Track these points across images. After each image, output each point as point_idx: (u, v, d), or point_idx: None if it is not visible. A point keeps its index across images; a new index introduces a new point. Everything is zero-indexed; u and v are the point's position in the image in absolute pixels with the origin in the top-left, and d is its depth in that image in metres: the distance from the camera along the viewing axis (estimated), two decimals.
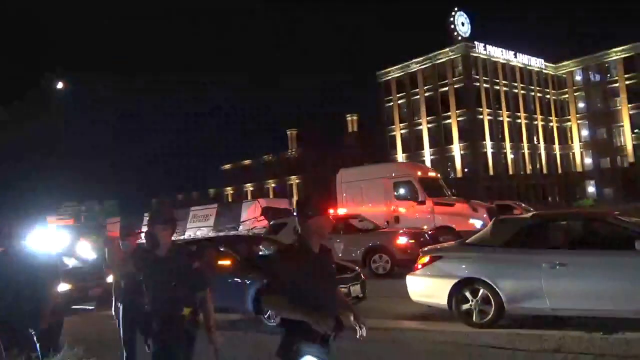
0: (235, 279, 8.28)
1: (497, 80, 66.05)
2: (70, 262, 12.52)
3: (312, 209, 2.92)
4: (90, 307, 10.63)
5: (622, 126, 65.02)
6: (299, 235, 2.93)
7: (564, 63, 71.15)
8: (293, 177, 79.82)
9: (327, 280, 2.94)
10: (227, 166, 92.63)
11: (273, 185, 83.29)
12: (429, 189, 17.34)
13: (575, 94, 70.58)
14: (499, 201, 26.73)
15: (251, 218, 20.63)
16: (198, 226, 24.30)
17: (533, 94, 70.08)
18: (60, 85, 29.24)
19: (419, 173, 18.55)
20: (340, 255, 13.60)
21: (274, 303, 2.85)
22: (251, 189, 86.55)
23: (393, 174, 17.86)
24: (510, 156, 65.99)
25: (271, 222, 18.58)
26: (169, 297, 3.45)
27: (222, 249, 9.22)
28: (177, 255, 3.67)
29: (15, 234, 4.71)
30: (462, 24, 65.41)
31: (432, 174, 20.58)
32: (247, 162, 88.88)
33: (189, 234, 23.98)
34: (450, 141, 64.51)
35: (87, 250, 16.43)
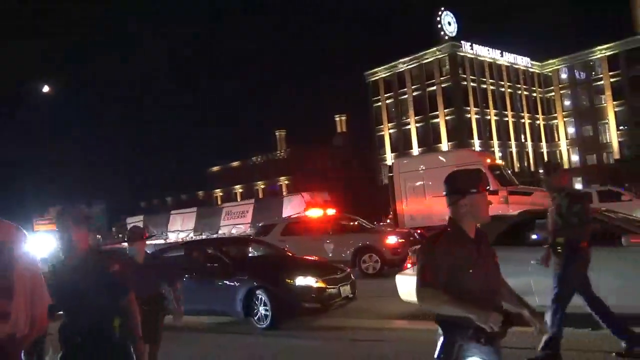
0: (225, 282, 8.23)
1: (484, 79, 66.53)
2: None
3: (466, 185, 2.50)
4: None
5: (608, 123, 65.76)
6: (450, 218, 2.55)
7: (549, 61, 71.79)
8: (282, 177, 79.73)
9: (491, 270, 2.53)
10: (216, 168, 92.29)
11: (262, 186, 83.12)
12: (499, 178, 15.88)
13: (561, 91, 71.25)
14: (600, 187, 25.00)
15: (295, 213, 19.85)
16: (233, 223, 23.51)
17: (520, 92, 70.65)
18: (46, 89, 28.95)
19: (488, 160, 17.24)
20: (330, 255, 13.60)
21: (429, 297, 2.41)
22: (240, 190, 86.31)
23: (459, 162, 15.79)
24: (498, 154, 66.45)
25: (260, 224, 18.43)
26: (89, 307, 3.10)
27: (210, 251, 9.17)
28: (93, 261, 3.36)
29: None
30: (449, 23, 65.76)
31: (498, 161, 19.52)
32: (235, 163, 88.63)
33: (223, 231, 23.42)
34: (438, 140, 64.84)
35: None
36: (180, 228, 26.37)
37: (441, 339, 2.45)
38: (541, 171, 5.12)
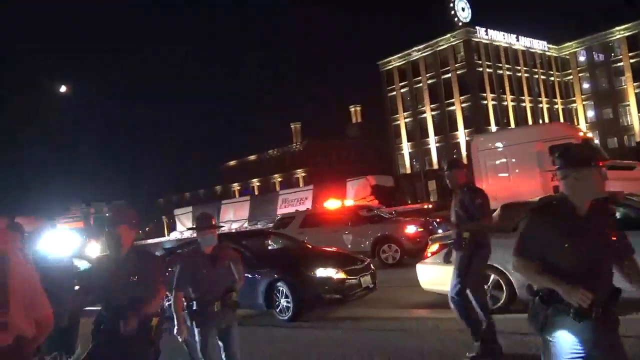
0: (246, 275, 8.28)
1: (500, 65, 65.59)
2: (82, 264, 12.59)
3: (581, 158, 2.44)
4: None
5: (628, 105, 64.43)
6: (559, 192, 2.52)
7: (566, 44, 70.49)
8: (299, 170, 79.82)
9: (599, 247, 2.41)
10: (232, 163, 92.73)
11: (279, 179, 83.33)
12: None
13: (579, 74, 69.97)
14: None
15: (360, 198, 19.27)
16: (294, 210, 22.72)
17: (537, 76, 69.54)
18: (63, 89, 29.34)
19: (580, 133, 15.98)
20: (349, 246, 13.62)
21: (521, 267, 2.50)
22: (257, 184, 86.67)
23: (548, 136, 14.54)
24: None
25: (279, 217, 18.30)
26: (128, 303, 3.23)
27: (231, 245, 9.23)
28: (136, 258, 3.47)
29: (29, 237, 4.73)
30: (462, 9, 64.85)
31: (589, 135, 18.39)
32: (251, 157, 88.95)
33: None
34: (454, 128, 64.23)
35: (96, 252, 16.52)
36: (233, 218, 25.59)
37: (537, 300, 2.45)
38: (444, 167, 5.25)
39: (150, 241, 39.85)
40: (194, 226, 4.41)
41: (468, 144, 17.87)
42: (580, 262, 2.37)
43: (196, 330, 4.11)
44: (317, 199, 21.68)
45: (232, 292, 4.24)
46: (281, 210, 23.07)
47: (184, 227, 28.62)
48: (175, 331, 4.04)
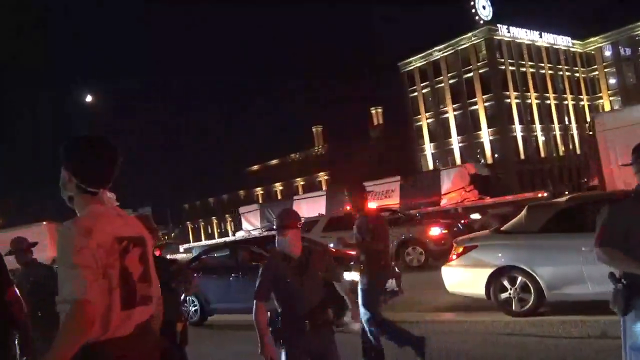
0: None
1: (523, 62, 64.65)
2: None
3: None
4: None
5: None
6: (638, 185, 2.68)
7: (591, 39, 69.16)
8: (321, 173, 79.92)
9: None
10: (255, 167, 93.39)
11: (302, 183, 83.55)
12: None
13: (605, 70, 68.57)
14: None
15: (458, 188, 18.01)
16: (379, 204, 20.76)
17: (561, 73, 68.36)
18: (89, 98, 29.89)
19: None
20: None
21: (606, 255, 2.66)
22: (280, 188, 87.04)
23: None
24: (541, 139, 64.60)
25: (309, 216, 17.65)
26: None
27: (254, 250, 9.29)
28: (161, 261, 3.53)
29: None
30: (483, 7, 64.15)
31: None
32: (274, 161, 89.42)
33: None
34: (478, 127, 63.51)
35: None
36: (307, 214, 23.53)
37: (619, 286, 2.61)
38: (346, 193, 5.48)
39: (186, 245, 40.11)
40: (275, 224, 3.58)
41: (591, 123, 15.04)
42: None
43: (283, 354, 3.36)
44: (406, 191, 19.99)
45: (327, 307, 3.50)
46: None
47: (250, 226, 26.96)
48: (259, 350, 3.29)
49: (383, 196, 21.07)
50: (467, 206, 16.03)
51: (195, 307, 9.20)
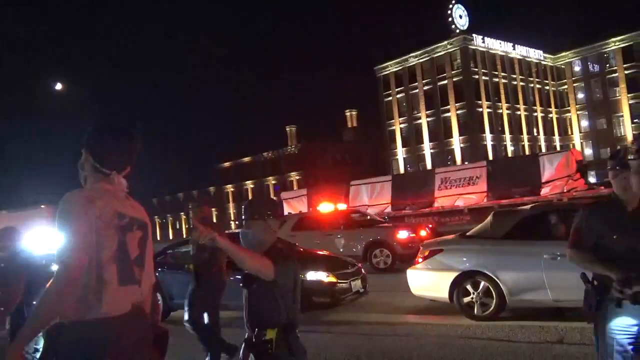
0: (237, 277, 8.22)
1: (496, 73, 65.93)
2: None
3: (625, 159, 2.64)
4: None
5: (622, 116, 64.90)
6: (611, 190, 2.79)
7: (562, 54, 70.96)
8: (293, 173, 79.80)
9: None
10: (227, 164, 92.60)
11: (273, 182, 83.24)
12: None
13: (574, 84, 70.42)
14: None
15: (563, 176, 15.83)
16: (459, 193, 18.60)
17: (532, 85, 69.94)
18: (59, 86, 29.18)
19: None
20: (340, 250, 13.59)
21: (577, 257, 2.73)
22: (251, 186, 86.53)
23: None
24: (510, 148, 65.93)
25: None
26: None
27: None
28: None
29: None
30: (460, 16, 65.21)
31: None
32: (246, 159, 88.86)
33: (442, 204, 18.75)
34: (449, 134, 64.46)
35: None
36: (368, 202, 21.20)
37: (589, 287, 2.65)
38: (189, 205, 5.69)
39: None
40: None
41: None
42: (628, 250, 2.60)
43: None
44: (495, 177, 17.47)
45: None
46: (440, 193, 18.80)
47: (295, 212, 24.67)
48: None
49: (466, 183, 18.28)
50: (574, 197, 13.79)
51: (159, 302, 9.02)
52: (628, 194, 2.69)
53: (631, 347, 2.54)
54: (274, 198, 21.28)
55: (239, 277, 2.94)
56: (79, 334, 1.90)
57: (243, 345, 2.83)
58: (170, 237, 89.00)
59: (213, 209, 20.91)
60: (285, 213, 23.80)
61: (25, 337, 1.88)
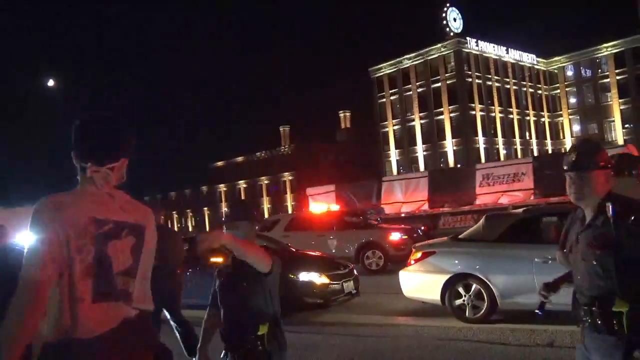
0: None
1: (489, 76, 66.26)
2: None
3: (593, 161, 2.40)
4: None
5: (613, 121, 65.43)
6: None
7: (555, 58, 71.41)
8: (286, 173, 79.76)
9: (585, 251, 2.42)
10: (220, 163, 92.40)
11: (266, 182, 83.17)
12: None
13: (566, 89, 70.89)
14: None
15: (626, 174, 14.44)
16: (503, 190, 17.62)
17: (525, 89, 70.35)
18: (51, 82, 29.00)
19: None
20: (333, 251, 13.60)
21: (560, 258, 2.74)
22: (244, 186, 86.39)
23: None
24: (502, 152, 66.26)
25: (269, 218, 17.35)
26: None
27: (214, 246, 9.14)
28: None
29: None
30: (454, 19, 65.48)
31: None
32: (239, 159, 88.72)
33: (484, 201, 17.87)
34: (442, 137, 64.69)
35: None
36: (402, 199, 20.55)
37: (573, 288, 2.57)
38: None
39: None
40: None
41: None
42: (574, 261, 2.52)
43: None
44: (541, 173, 16.63)
45: None
46: (481, 190, 18.06)
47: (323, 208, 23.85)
48: None
49: (511, 180, 17.33)
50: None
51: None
52: (583, 203, 2.47)
53: None
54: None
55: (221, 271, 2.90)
56: (54, 358, 1.71)
57: (226, 346, 2.77)
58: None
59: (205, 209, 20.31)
60: (311, 208, 22.96)
61: None
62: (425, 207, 19.55)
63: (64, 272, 1.71)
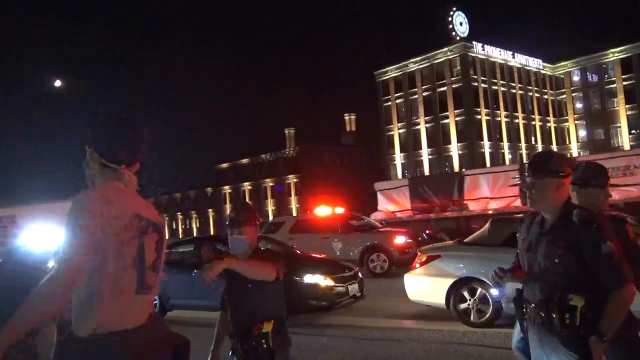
0: None
1: (495, 81, 66.12)
2: None
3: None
4: None
5: (620, 126, 65.17)
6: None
7: (562, 63, 71.23)
8: (291, 176, 79.82)
9: (544, 258, 2.50)
10: (224, 165, 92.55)
11: (271, 184, 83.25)
12: None
13: (573, 94, 70.68)
14: None
15: None
16: (611, 184, 16.80)
17: (531, 94, 70.17)
18: (58, 83, 29.13)
19: None
20: (338, 254, 13.62)
21: None
22: (249, 187, 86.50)
23: None
24: (508, 156, 66.08)
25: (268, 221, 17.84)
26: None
27: (219, 247, 9.20)
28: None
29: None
30: (461, 23, 65.45)
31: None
32: (244, 160, 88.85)
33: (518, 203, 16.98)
34: (448, 141, 64.57)
35: None
36: (490, 194, 19.16)
37: None
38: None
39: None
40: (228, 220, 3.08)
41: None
42: (527, 265, 2.68)
43: None
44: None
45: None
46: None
47: (393, 206, 21.97)
48: None
49: (621, 174, 16.20)
50: None
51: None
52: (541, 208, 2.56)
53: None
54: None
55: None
56: (93, 349, 1.72)
57: (232, 344, 2.84)
58: (167, 237, 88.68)
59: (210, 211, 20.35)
60: (381, 206, 21.99)
61: (9, 334, 1.65)
62: (517, 202, 17.38)
63: (109, 263, 1.77)
